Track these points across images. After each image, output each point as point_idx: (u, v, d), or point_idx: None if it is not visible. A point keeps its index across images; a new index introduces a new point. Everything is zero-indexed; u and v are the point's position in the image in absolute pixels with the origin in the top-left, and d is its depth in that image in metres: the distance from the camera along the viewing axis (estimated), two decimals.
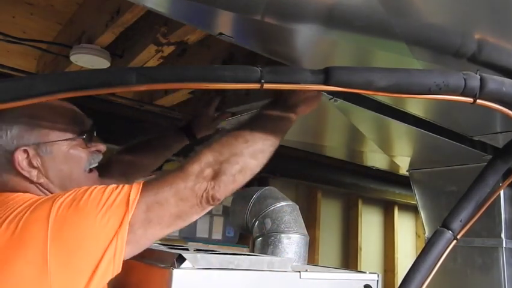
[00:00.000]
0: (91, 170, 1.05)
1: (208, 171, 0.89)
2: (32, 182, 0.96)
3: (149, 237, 0.87)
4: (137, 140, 1.45)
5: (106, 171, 1.34)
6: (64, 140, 0.99)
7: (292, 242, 1.67)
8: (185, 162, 0.91)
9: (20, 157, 0.94)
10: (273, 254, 1.66)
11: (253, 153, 0.94)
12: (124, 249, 0.82)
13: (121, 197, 0.84)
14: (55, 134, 0.99)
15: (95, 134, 1.07)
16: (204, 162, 0.90)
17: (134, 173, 1.42)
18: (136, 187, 0.86)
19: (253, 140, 0.95)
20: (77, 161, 1.01)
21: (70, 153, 1.00)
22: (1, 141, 0.94)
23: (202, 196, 0.88)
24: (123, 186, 0.87)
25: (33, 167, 0.95)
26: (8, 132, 0.95)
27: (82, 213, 0.82)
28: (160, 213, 0.86)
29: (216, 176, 0.89)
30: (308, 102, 1.03)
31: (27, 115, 0.96)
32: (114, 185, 0.87)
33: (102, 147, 1.08)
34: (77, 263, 0.80)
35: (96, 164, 1.06)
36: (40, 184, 0.97)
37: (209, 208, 0.91)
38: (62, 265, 0.79)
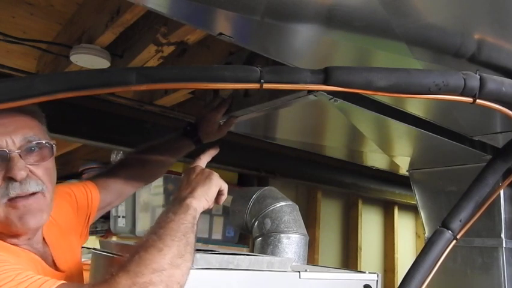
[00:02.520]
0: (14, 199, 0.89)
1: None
2: None
3: None
4: (143, 146, 1.44)
5: (111, 176, 1.34)
6: None
7: (292, 242, 1.67)
8: (97, 282, 0.78)
9: None
10: (272, 254, 1.66)
11: (171, 261, 0.81)
12: None
13: None
14: None
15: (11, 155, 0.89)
16: (117, 284, 0.75)
17: (140, 180, 1.41)
18: (51, 283, 0.74)
19: (165, 245, 0.82)
20: None
21: None
22: None
23: None
24: (37, 278, 0.75)
25: None
26: None
27: None
28: None
29: None
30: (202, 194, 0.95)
31: None
32: (20, 277, 0.74)
33: (17, 173, 0.88)
34: None
35: (17, 194, 0.89)
36: None
37: None
38: None
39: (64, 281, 0.78)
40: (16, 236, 0.93)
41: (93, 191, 1.27)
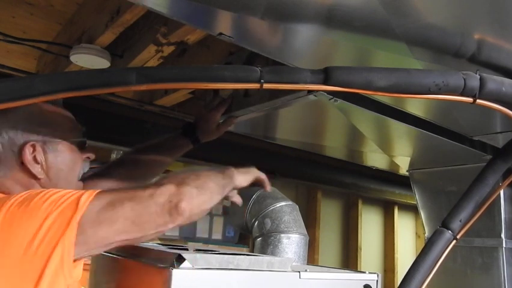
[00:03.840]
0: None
1: (170, 183, 0.88)
2: (33, 177, 0.98)
3: (100, 240, 0.84)
4: (141, 145, 1.44)
5: (108, 176, 1.34)
6: (68, 140, 1.03)
7: (292, 242, 1.67)
8: (157, 182, 0.90)
9: (27, 151, 0.96)
10: (272, 253, 1.66)
11: (213, 188, 0.96)
12: (73, 251, 0.79)
13: (72, 198, 0.82)
14: (61, 134, 1.03)
15: (86, 143, 1.10)
16: (163, 177, 0.91)
17: (136, 180, 1.41)
18: (91, 191, 0.85)
19: (210, 179, 0.97)
20: (73, 164, 1.05)
21: (69, 155, 1.04)
22: (11, 134, 0.97)
23: (163, 204, 0.85)
24: (78, 190, 0.86)
25: (37, 163, 0.98)
26: (19, 126, 0.97)
27: (31, 213, 0.80)
28: (113, 215, 0.83)
29: (178, 185, 0.88)
30: (245, 174, 1.08)
31: (38, 113, 1.00)
32: (70, 190, 0.86)
33: (92, 155, 1.11)
34: (22, 265, 0.78)
35: (84, 171, 1.11)
36: (39, 181, 0.99)
37: (176, 221, 0.87)
38: (7, 267, 0.77)
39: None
40: None
41: None
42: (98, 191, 0.85)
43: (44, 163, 0.98)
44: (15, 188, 0.96)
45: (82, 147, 1.08)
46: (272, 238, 1.70)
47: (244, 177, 1.07)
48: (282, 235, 1.69)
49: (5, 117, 0.97)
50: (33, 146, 0.97)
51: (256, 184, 1.12)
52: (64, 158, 1.02)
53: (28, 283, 0.77)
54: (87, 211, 0.81)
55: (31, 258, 0.77)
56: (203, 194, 0.91)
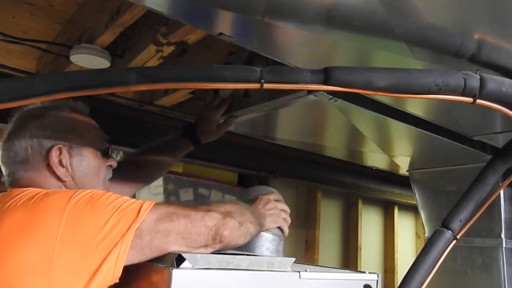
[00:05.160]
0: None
1: (217, 211, 0.97)
2: (59, 179, 1.04)
3: (154, 248, 0.90)
4: (143, 148, 1.45)
5: (110, 177, 1.34)
6: (91, 147, 1.10)
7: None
8: (205, 206, 1.00)
9: (54, 154, 1.03)
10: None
11: (251, 221, 1.05)
12: (127, 254, 0.85)
13: (135, 205, 0.90)
14: (86, 141, 1.09)
15: (110, 151, 1.19)
16: (210, 203, 1.01)
17: (138, 181, 1.41)
18: (149, 202, 0.92)
19: (247, 214, 1.05)
20: (98, 170, 1.12)
21: (94, 161, 1.10)
22: (41, 137, 1.03)
23: (211, 228, 0.94)
24: (136, 199, 0.93)
25: (62, 166, 1.04)
26: (48, 131, 1.04)
27: (96, 212, 0.87)
28: (169, 227, 0.91)
29: (225, 216, 0.97)
30: (273, 220, 1.15)
31: (66, 119, 1.08)
32: (127, 197, 0.93)
33: (114, 163, 1.18)
34: (81, 257, 0.83)
35: (108, 178, 1.17)
36: (64, 183, 1.05)
37: (215, 245, 0.96)
38: (67, 256, 0.82)
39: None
40: None
41: None
42: (155, 202, 0.93)
43: (69, 167, 1.05)
44: (47, 185, 1.02)
45: (106, 155, 1.15)
46: None
47: (272, 223, 1.15)
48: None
49: (35, 122, 1.05)
50: (60, 150, 1.03)
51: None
52: (88, 163, 1.09)
53: (84, 274, 0.83)
54: (146, 219, 0.89)
55: (92, 253, 0.83)
56: (242, 230, 1.00)
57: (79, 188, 1.02)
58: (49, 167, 1.02)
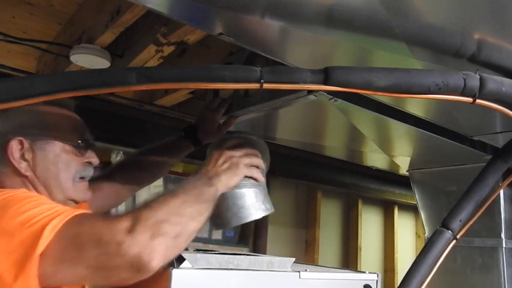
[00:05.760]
0: (82, 179, 1.08)
1: (143, 229, 0.77)
2: (20, 174, 0.99)
3: (60, 280, 0.78)
4: (143, 148, 1.45)
5: (107, 180, 1.34)
6: (58, 141, 1.04)
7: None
8: (121, 214, 0.82)
9: (14, 146, 0.98)
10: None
11: (192, 214, 0.86)
12: (36, 284, 0.75)
13: (43, 222, 0.77)
14: (52, 134, 1.03)
15: (92, 148, 1.11)
16: (137, 216, 0.79)
17: (138, 182, 1.42)
18: (61, 218, 0.79)
19: (190, 201, 0.88)
20: (65, 165, 1.04)
21: (60, 155, 1.04)
22: (4, 129, 0.99)
23: (133, 260, 0.75)
24: (54, 211, 0.81)
25: (24, 160, 0.99)
26: (11, 120, 0.99)
27: (5, 223, 0.79)
28: (75, 258, 0.77)
29: (153, 237, 0.77)
30: (230, 174, 0.99)
31: (32, 112, 1.01)
32: (47, 206, 0.82)
33: (95, 160, 1.11)
34: None
35: (87, 176, 1.09)
36: (27, 178, 1.00)
37: (144, 276, 0.77)
38: None
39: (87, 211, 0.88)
40: None
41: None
42: (70, 216, 0.80)
43: (30, 160, 0.99)
44: (8, 183, 0.98)
45: (83, 151, 1.08)
46: None
47: (230, 179, 0.99)
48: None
49: (2, 115, 0.99)
50: (21, 143, 0.98)
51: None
52: (52, 157, 1.03)
53: None
54: (50, 245, 0.75)
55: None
56: (182, 237, 0.83)
57: (42, 184, 1.01)
58: (9, 160, 0.97)
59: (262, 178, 1.05)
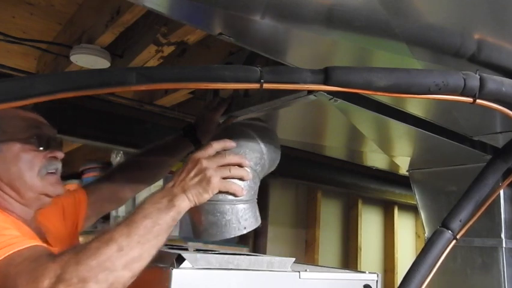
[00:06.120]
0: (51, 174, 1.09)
1: (63, 281, 0.74)
2: None
3: None
4: (144, 149, 1.45)
5: (107, 181, 1.34)
6: (15, 141, 1.04)
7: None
8: (45, 262, 0.78)
9: None
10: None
11: (127, 263, 0.80)
12: None
13: None
14: (8, 135, 1.03)
15: (54, 142, 1.12)
16: (64, 275, 0.74)
17: (139, 183, 1.42)
18: (4, 251, 0.79)
19: (129, 246, 0.80)
20: (27, 164, 1.05)
21: (19, 155, 1.04)
22: None
23: None
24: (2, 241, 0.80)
25: None
26: None
27: None
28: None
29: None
30: (200, 190, 0.90)
31: None
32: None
33: (59, 154, 1.11)
34: None
35: (54, 170, 1.10)
36: None
37: None
38: None
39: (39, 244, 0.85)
40: (28, 205, 1.07)
41: (81, 200, 1.29)
42: (13, 250, 0.80)
43: None
44: None
45: (45, 146, 1.08)
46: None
47: (200, 196, 0.90)
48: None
49: None
50: None
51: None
52: (12, 158, 1.03)
53: None
54: None
55: None
56: (111, 278, 0.77)
57: (7, 185, 1.02)
58: None
59: (241, 192, 0.95)
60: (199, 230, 0.97)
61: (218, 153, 0.97)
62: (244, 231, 0.98)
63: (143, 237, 0.82)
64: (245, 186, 0.97)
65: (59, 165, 1.12)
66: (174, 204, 0.87)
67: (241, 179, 0.97)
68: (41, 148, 1.08)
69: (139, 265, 0.81)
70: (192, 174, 0.92)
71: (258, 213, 1.02)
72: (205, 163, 0.92)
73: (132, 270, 0.80)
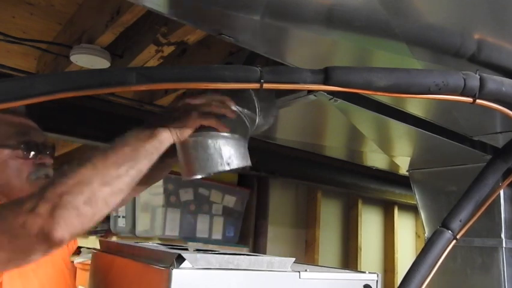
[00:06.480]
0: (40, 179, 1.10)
1: (44, 205, 0.78)
2: None
3: None
4: None
5: None
6: (3, 148, 1.05)
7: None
8: (30, 195, 0.82)
9: None
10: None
11: (103, 181, 0.82)
12: None
13: None
14: None
15: (42, 148, 1.12)
16: (40, 195, 0.79)
17: (139, 184, 1.41)
18: None
19: (104, 165, 0.83)
20: (15, 171, 1.06)
21: (7, 162, 1.06)
22: None
23: (37, 235, 0.77)
24: None
25: None
26: None
27: None
28: None
29: (53, 210, 0.77)
30: (180, 124, 0.91)
31: None
32: None
33: (47, 160, 1.12)
34: None
35: (43, 176, 1.10)
36: None
37: (56, 246, 0.79)
38: None
39: None
40: None
41: None
42: None
43: None
44: None
45: (35, 152, 1.09)
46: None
47: (181, 131, 0.91)
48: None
49: None
50: None
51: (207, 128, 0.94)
52: (0, 165, 1.05)
53: None
54: None
55: None
56: (91, 206, 0.80)
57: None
58: None
59: (222, 127, 0.95)
60: (184, 169, 0.97)
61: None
62: (227, 168, 0.97)
63: (121, 159, 0.84)
64: (228, 124, 0.97)
65: (49, 171, 1.12)
66: (155, 134, 0.89)
67: (224, 116, 0.96)
68: (31, 154, 1.08)
69: (118, 183, 0.83)
70: (174, 111, 0.94)
71: (246, 154, 1.03)
72: (187, 100, 0.94)
73: (111, 185, 0.82)
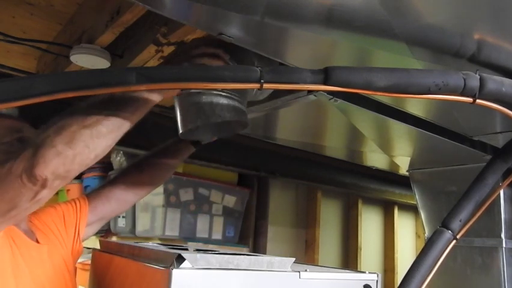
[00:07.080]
0: None
1: (27, 151, 0.82)
2: None
3: None
4: (146, 154, 1.45)
5: (110, 187, 1.35)
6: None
7: None
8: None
9: None
10: None
11: (83, 123, 0.85)
12: None
13: None
14: None
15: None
16: (24, 145, 0.85)
17: (142, 186, 1.41)
18: None
19: (84, 112, 0.87)
20: None
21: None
22: None
23: (21, 176, 0.80)
24: None
25: None
26: None
27: None
28: None
29: (35, 151, 0.81)
30: None
31: None
32: None
33: None
34: None
35: None
36: None
37: (43, 187, 0.82)
38: None
39: None
40: None
41: (82, 206, 1.29)
42: None
43: None
44: None
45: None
46: None
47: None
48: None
49: None
50: None
51: None
52: None
53: None
54: None
55: None
56: (72, 148, 0.82)
57: None
58: None
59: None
60: (179, 124, 0.99)
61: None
62: (219, 120, 0.98)
63: (102, 105, 0.87)
64: None
65: None
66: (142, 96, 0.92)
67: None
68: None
69: (98, 126, 0.86)
70: (168, 63, 0.96)
71: (241, 110, 1.04)
72: (178, 53, 0.95)
73: (90, 129, 0.85)
